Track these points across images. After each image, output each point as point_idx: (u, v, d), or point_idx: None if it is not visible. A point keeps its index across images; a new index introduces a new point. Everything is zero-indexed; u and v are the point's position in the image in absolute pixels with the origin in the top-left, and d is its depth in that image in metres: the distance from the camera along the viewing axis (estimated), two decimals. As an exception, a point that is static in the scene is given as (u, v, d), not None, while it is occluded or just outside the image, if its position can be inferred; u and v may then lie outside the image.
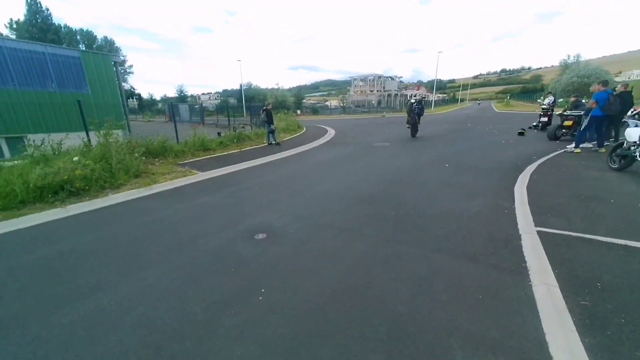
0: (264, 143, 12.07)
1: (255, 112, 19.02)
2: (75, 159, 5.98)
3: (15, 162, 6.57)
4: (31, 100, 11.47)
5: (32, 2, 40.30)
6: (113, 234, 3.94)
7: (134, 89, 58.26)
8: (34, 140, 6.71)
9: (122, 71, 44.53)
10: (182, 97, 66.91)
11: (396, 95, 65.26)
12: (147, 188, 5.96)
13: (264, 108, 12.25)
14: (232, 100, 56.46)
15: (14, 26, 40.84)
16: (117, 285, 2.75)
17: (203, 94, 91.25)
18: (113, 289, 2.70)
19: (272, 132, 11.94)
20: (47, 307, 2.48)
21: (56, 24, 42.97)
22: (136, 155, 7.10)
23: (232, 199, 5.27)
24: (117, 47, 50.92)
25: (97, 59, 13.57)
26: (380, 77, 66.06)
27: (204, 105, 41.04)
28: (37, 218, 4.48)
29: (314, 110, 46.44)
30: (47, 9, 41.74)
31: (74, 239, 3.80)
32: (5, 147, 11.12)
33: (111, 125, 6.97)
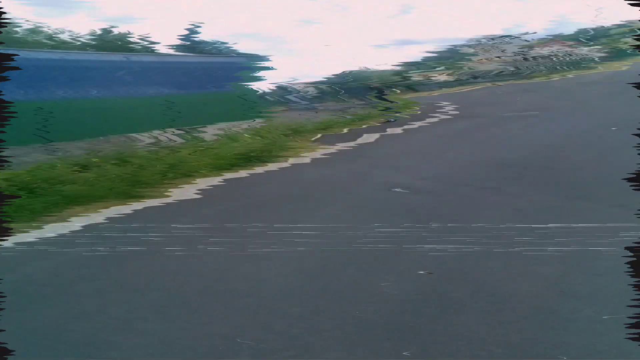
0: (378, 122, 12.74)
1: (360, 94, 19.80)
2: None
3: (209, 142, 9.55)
4: (201, 99, 15.45)
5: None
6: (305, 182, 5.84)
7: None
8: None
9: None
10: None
11: (526, 58, 52.99)
12: (297, 158, 7.78)
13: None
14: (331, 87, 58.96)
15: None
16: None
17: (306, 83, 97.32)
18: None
19: (389, 109, 13.09)
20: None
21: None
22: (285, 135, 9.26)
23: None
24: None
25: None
26: (493, 38, 55.08)
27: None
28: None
29: (411, 87, 43.40)
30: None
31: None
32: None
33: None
